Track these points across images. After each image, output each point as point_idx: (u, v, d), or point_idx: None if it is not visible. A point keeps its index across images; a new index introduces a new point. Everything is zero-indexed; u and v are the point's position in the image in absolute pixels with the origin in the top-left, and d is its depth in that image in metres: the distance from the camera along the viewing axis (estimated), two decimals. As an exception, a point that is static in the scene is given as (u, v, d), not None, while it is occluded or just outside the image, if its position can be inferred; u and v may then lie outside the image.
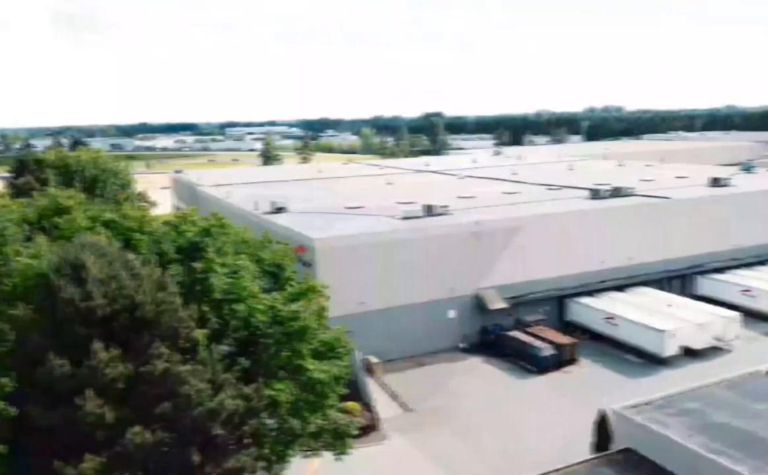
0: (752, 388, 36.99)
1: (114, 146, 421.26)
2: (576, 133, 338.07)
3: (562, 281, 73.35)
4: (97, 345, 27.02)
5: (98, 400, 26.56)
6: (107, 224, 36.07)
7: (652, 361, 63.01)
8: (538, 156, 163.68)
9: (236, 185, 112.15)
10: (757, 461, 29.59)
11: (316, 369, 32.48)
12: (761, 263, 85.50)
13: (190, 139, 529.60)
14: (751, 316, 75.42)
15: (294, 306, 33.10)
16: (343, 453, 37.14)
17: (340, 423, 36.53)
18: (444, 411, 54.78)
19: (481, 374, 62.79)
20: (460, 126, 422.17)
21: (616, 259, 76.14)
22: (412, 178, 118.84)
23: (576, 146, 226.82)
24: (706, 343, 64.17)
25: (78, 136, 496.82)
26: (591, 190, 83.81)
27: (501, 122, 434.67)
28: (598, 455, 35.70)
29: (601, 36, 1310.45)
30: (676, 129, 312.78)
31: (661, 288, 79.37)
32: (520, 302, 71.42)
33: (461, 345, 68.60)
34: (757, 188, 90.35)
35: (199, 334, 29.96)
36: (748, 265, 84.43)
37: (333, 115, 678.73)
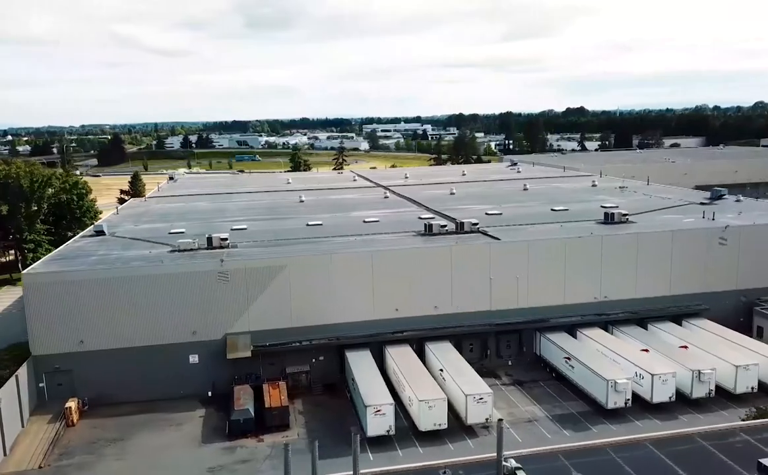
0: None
1: (239, 143, 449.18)
2: (700, 134, 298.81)
3: (341, 329, 64.64)
4: None
5: None
6: None
7: (365, 440, 53.28)
8: (539, 171, 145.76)
9: (169, 198, 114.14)
10: None
11: None
12: (640, 321, 68.85)
13: (323, 135, 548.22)
14: (573, 389, 61.46)
15: None
16: None
17: None
18: None
19: (182, 431, 57.08)
20: (581, 124, 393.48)
21: (416, 308, 65.41)
22: (334, 194, 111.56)
23: (640, 154, 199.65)
24: (435, 425, 52.80)
25: (213, 132, 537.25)
26: (425, 225, 72.71)
27: (636, 119, 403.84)
28: None
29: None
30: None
31: (484, 346, 67.22)
32: (287, 350, 64.26)
33: (209, 393, 63.27)
34: (655, 230, 72.00)
35: None
36: (622, 322, 68.52)
37: (471, 110, 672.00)
